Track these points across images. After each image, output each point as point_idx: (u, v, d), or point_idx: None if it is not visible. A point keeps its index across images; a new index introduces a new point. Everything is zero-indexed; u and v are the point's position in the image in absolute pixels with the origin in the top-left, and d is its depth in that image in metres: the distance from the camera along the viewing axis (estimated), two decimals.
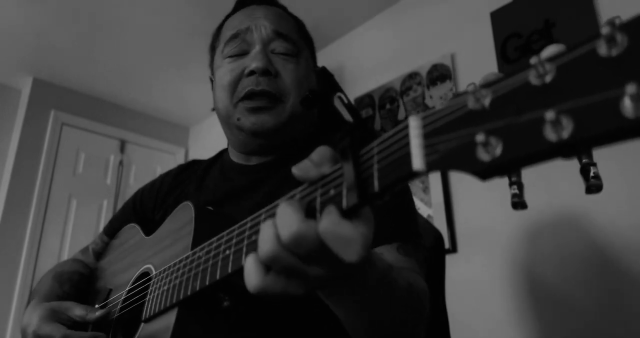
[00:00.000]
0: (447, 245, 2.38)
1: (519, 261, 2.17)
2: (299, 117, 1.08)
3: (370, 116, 3.02)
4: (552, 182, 2.04)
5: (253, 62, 1.05)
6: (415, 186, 2.62)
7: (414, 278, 0.80)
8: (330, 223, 0.47)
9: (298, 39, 1.14)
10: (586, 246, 1.97)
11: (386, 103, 2.96)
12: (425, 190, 2.59)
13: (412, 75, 2.85)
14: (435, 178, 2.56)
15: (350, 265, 0.51)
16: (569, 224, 2.04)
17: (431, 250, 1.39)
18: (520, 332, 2.08)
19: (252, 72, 1.05)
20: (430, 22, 2.87)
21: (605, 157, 1.86)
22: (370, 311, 0.66)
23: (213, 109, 1.21)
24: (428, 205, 2.56)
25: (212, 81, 1.23)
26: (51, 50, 3.55)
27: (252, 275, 0.54)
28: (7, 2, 3.04)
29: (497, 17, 2.50)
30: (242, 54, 1.10)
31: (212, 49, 1.22)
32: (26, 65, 3.72)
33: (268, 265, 0.53)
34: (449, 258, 1.81)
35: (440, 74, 2.70)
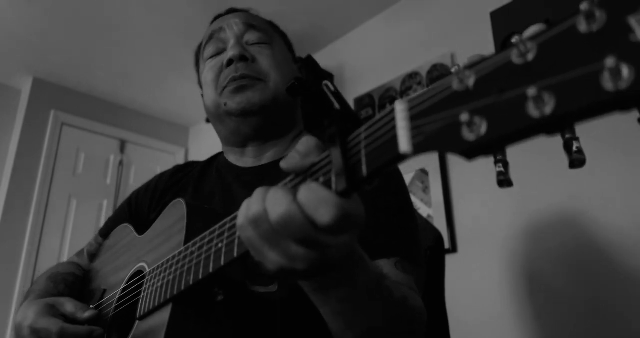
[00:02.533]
0: (447, 245, 2.38)
1: (518, 261, 2.17)
2: (283, 98, 1.11)
3: (370, 116, 3.02)
4: (551, 183, 2.04)
5: (229, 52, 1.11)
6: (415, 186, 2.62)
7: (411, 294, 0.79)
8: (306, 188, 0.48)
9: (270, 31, 1.20)
10: (585, 246, 1.97)
11: (386, 103, 2.96)
12: (425, 190, 2.59)
13: (412, 75, 2.85)
14: (435, 178, 2.56)
15: (331, 249, 0.51)
16: (569, 224, 2.03)
17: (431, 250, 1.39)
18: (520, 332, 2.08)
19: (230, 62, 1.09)
20: (430, 22, 2.87)
21: (604, 157, 1.86)
22: (358, 315, 0.65)
23: (207, 121, 1.23)
24: (428, 205, 2.55)
25: (203, 97, 1.25)
26: (51, 50, 3.56)
27: (243, 213, 0.55)
28: (8, 2, 3.05)
29: (497, 17, 2.50)
30: (220, 52, 1.15)
31: (197, 63, 1.27)
32: (26, 65, 3.73)
33: None
34: (449, 258, 1.80)
35: (440, 74, 2.70)
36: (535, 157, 2.01)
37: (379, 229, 0.90)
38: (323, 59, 3.39)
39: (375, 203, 0.92)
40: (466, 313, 2.20)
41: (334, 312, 0.64)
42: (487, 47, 2.51)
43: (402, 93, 2.88)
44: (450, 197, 2.51)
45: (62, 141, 3.91)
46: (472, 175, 2.41)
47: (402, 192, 1.01)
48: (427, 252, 1.38)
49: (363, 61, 3.23)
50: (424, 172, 2.61)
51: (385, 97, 2.97)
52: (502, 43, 2.43)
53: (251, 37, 1.14)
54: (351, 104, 3.15)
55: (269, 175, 1.09)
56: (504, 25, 2.46)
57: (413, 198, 2.05)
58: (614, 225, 1.90)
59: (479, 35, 2.57)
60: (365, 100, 3.07)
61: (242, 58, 1.09)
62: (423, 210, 2.57)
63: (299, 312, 0.88)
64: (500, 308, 2.17)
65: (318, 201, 0.47)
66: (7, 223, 3.53)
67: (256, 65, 1.10)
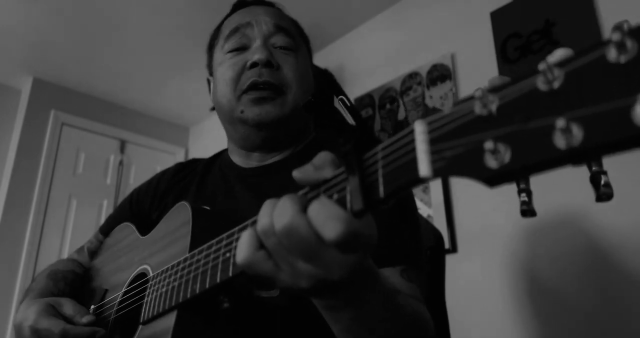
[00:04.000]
0: (447, 245, 2.38)
1: (518, 261, 2.17)
2: (300, 111, 1.08)
3: (370, 116, 3.02)
4: (552, 183, 2.04)
5: (255, 54, 1.06)
6: None
7: (420, 307, 0.79)
8: (318, 203, 0.48)
9: (297, 36, 1.16)
10: (585, 246, 1.97)
11: (386, 103, 2.95)
12: (425, 190, 2.59)
13: (412, 75, 2.85)
14: None
15: (336, 266, 0.50)
16: (569, 224, 2.04)
17: (431, 250, 1.39)
18: (520, 332, 2.08)
19: (254, 64, 1.06)
20: (430, 22, 2.87)
21: (605, 157, 1.86)
22: (370, 334, 0.64)
23: (212, 109, 1.21)
24: (428, 205, 2.56)
25: (209, 83, 1.23)
26: (51, 50, 3.55)
27: (243, 247, 0.54)
28: (7, 1, 3.03)
29: (497, 17, 2.50)
30: (243, 48, 1.11)
31: (211, 47, 1.22)
32: (26, 65, 3.72)
33: (262, 243, 0.54)
34: (449, 258, 1.81)
35: (440, 74, 2.70)
36: None
37: (385, 236, 0.89)
38: (323, 59, 3.38)
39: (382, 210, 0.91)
40: (466, 313, 2.21)
41: (345, 329, 0.63)
42: (487, 47, 2.51)
43: (402, 93, 2.87)
44: (450, 197, 2.51)
45: (62, 141, 3.91)
46: None
47: (406, 194, 1.01)
48: (427, 252, 1.38)
49: (363, 61, 3.22)
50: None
51: (385, 97, 2.97)
52: (502, 43, 2.43)
53: (278, 40, 1.10)
54: None
55: (272, 177, 1.09)
56: (504, 25, 2.46)
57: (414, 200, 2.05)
58: (615, 225, 1.90)
59: (479, 35, 2.57)
60: (365, 100, 3.07)
61: (268, 63, 1.05)
62: (423, 210, 2.57)
63: (299, 318, 0.88)
64: (500, 308, 2.17)
65: (327, 215, 0.46)
66: (7, 223, 3.53)
67: (280, 74, 1.07)
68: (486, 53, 2.50)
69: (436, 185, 2.55)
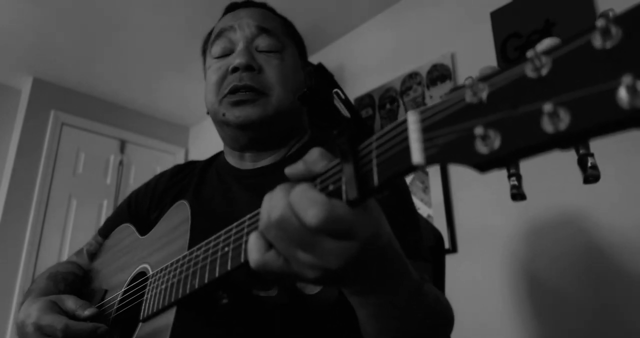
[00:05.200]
0: (447, 245, 2.38)
1: (518, 261, 2.17)
2: (286, 111, 1.08)
3: (370, 116, 3.02)
4: (551, 183, 2.04)
5: (236, 59, 1.07)
6: (415, 186, 2.62)
7: (439, 292, 0.80)
8: (298, 189, 0.48)
9: (283, 36, 1.15)
10: (586, 246, 1.97)
11: (386, 103, 2.96)
12: (425, 190, 2.59)
13: (412, 75, 2.85)
14: (435, 178, 2.56)
15: (336, 257, 0.50)
16: (569, 224, 2.04)
17: (431, 250, 1.39)
18: (520, 332, 2.08)
19: (235, 69, 1.06)
20: (430, 22, 2.87)
21: (604, 157, 1.86)
22: (396, 321, 0.65)
23: (208, 112, 1.22)
24: (428, 205, 2.56)
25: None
26: (51, 50, 3.55)
27: (253, 250, 0.54)
28: (7, 2, 3.04)
29: (497, 17, 2.50)
30: (228, 53, 1.12)
31: (204, 52, 1.24)
32: (26, 65, 3.73)
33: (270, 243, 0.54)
34: (449, 258, 1.81)
35: (440, 74, 2.70)
36: (537, 158, 2.01)
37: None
38: (323, 59, 3.38)
39: (381, 205, 0.91)
40: (466, 313, 2.21)
41: (370, 314, 0.64)
42: (487, 47, 2.51)
43: (402, 93, 2.88)
44: (450, 197, 2.51)
45: (62, 141, 3.91)
46: (472, 175, 2.41)
47: (403, 189, 1.02)
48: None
49: (363, 61, 3.23)
50: (424, 172, 2.61)
51: (385, 97, 2.97)
52: (502, 43, 2.44)
53: (262, 42, 1.10)
54: None
55: (268, 178, 1.09)
56: (504, 25, 2.46)
57: (413, 198, 2.05)
58: (615, 225, 1.90)
59: (479, 35, 2.57)
60: (365, 100, 3.07)
61: (249, 67, 1.06)
62: (423, 210, 2.57)
63: (298, 316, 0.88)
64: (500, 308, 2.17)
65: (308, 201, 0.47)
66: (7, 223, 3.53)
67: (262, 77, 1.07)
68: (486, 53, 2.50)
69: (436, 185, 2.55)
